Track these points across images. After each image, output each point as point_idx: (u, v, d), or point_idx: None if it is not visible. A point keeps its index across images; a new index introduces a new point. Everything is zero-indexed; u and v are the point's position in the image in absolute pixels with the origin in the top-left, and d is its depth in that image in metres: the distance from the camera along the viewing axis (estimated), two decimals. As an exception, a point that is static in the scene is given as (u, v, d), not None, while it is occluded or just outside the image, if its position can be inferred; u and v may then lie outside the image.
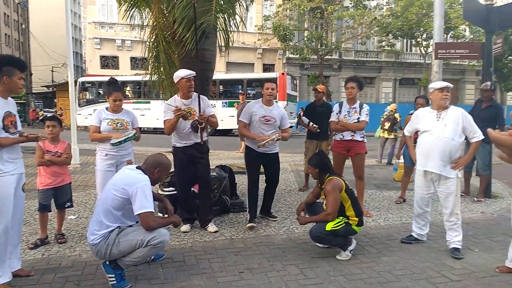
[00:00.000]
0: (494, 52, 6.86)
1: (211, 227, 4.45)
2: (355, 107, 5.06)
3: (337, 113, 5.16)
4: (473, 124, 3.82)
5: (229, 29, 5.45)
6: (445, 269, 3.47)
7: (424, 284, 3.16)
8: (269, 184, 4.90)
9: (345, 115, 5.07)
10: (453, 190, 3.83)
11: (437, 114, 3.91)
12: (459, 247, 3.83)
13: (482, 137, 3.80)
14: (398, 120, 10.25)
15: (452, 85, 3.96)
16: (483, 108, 6.03)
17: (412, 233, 4.20)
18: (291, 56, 27.97)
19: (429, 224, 4.20)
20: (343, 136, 5.09)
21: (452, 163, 3.81)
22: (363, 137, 5.09)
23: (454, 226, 3.86)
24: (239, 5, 5.76)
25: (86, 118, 20.83)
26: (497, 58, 23.68)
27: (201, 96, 4.42)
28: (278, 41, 25.40)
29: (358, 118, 5.00)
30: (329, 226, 3.59)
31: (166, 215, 3.44)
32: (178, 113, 4.14)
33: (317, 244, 3.93)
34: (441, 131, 3.82)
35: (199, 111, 4.34)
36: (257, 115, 4.60)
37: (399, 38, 27.70)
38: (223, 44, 5.43)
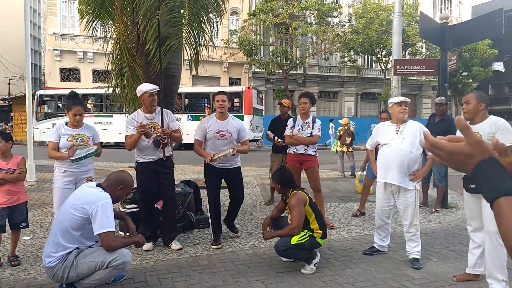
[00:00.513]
0: (449, 68, 7.25)
1: (175, 245, 4.36)
2: (308, 122, 5.22)
3: (291, 127, 5.30)
4: None
5: (199, 44, 5.43)
6: (406, 279, 3.56)
7: (386, 295, 3.23)
8: (232, 199, 4.76)
9: (298, 129, 5.22)
10: (412, 202, 3.97)
11: (396, 128, 4.06)
12: (418, 257, 3.95)
13: None
14: (354, 134, 10.60)
15: (410, 100, 4.15)
16: (436, 122, 6.32)
17: (374, 245, 4.30)
18: (257, 70, 28.29)
19: (390, 235, 4.31)
20: (297, 150, 5.23)
21: (410, 175, 3.95)
22: (315, 151, 5.26)
23: (413, 237, 3.99)
24: (209, 21, 5.77)
25: (44, 132, 20.04)
26: (452, 74, 25.02)
27: (165, 110, 4.36)
28: (244, 55, 25.66)
29: (311, 132, 5.16)
30: (294, 240, 3.61)
31: (128, 234, 3.34)
32: (141, 130, 4.05)
33: (282, 258, 3.94)
34: (399, 144, 3.97)
35: (162, 126, 4.28)
36: (211, 131, 4.45)
37: (361, 54, 28.72)
38: (192, 59, 5.36)
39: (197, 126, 4.60)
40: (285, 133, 5.36)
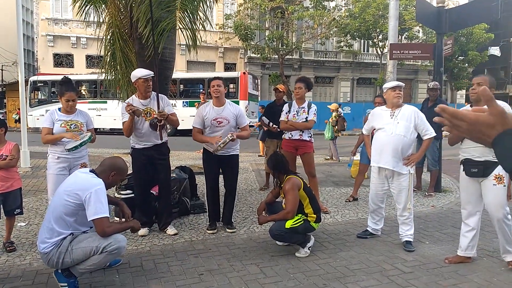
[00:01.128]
0: (445, 52, 7.22)
1: (170, 230, 4.38)
2: (304, 107, 5.19)
3: (286, 113, 5.27)
4: (425, 122, 4.00)
5: (195, 28, 5.34)
6: (398, 262, 3.61)
7: (378, 277, 3.28)
8: (226, 189, 4.63)
9: (294, 114, 5.19)
10: (406, 186, 4.00)
11: (391, 112, 4.07)
12: (411, 240, 4.00)
13: (434, 134, 4.00)
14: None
15: (404, 84, 4.14)
16: (429, 106, 6.33)
17: (368, 228, 4.34)
18: (253, 55, 28.04)
19: (383, 219, 4.36)
20: (292, 135, 5.22)
21: (404, 160, 3.97)
22: (310, 136, 5.24)
23: (406, 221, 4.03)
24: (202, 3, 5.68)
25: (37, 119, 19.90)
26: (448, 58, 25.00)
27: (160, 95, 4.33)
28: (239, 40, 25.39)
29: (306, 117, 5.13)
30: (289, 224, 3.64)
31: (123, 220, 3.35)
32: (129, 109, 4.01)
33: (277, 242, 3.98)
34: (393, 128, 3.97)
35: (158, 107, 4.25)
36: (208, 118, 4.39)
37: (357, 38, 28.49)
38: (190, 43, 5.26)
39: (195, 114, 4.55)
40: (281, 119, 5.34)
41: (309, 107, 5.20)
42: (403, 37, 26.68)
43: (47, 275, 3.22)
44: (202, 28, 5.34)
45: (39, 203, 5.70)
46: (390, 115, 4.05)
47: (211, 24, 5.37)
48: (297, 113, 5.18)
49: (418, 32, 27.88)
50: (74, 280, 2.91)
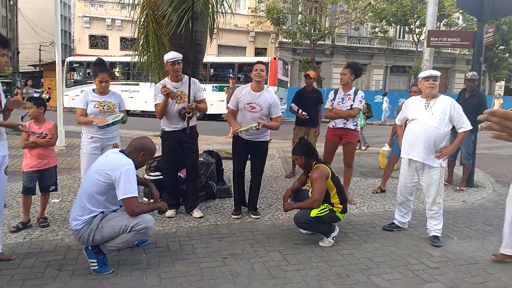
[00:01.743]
0: (485, 41, 6.89)
1: (196, 213, 4.47)
2: (350, 94, 5.00)
3: (331, 100, 5.11)
4: (462, 114, 3.84)
5: (216, 11, 5.32)
6: (424, 256, 3.54)
7: (403, 270, 3.24)
8: (252, 174, 4.61)
9: (338, 102, 5.03)
10: (436, 180, 3.88)
11: (425, 103, 3.93)
12: (439, 235, 3.91)
13: (470, 127, 3.84)
14: None
15: (440, 74, 3.96)
16: (466, 97, 6.09)
17: (394, 221, 4.27)
18: (284, 40, 27.71)
19: (411, 212, 4.27)
20: (336, 124, 5.07)
21: (436, 152, 3.85)
22: (355, 125, 5.06)
23: (435, 215, 3.93)
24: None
25: (73, 99, 20.51)
26: (488, 48, 23.86)
27: (192, 79, 4.36)
28: (271, 24, 25.11)
29: (351, 105, 4.96)
30: (314, 213, 3.62)
31: (151, 200, 3.44)
32: (164, 90, 4.07)
33: (301, 230, 3.98)
34: (427, 119, 3.85)
35: (189, 95, 4.29)
36: (242, 101, 4.37)
37: (393, 24, 27.57)
38: (209, 27, 5.29)
39: (232, 94, 4.55)
40: (325, 106, 5.18)
41: (355, 94, 4.99)
42: (441, 23, 25.61)
43: (78, 251, 3.35)
44: (234, 11, 5.29)
45: (73, 181, 5.92)
46: (425, 106, 3.92)
47: (238, 6, 5.33)
48: (342, 100, 5.00)
49: (458, 19, 26.72)
50: (103, 257, 3.02)
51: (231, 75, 17.94)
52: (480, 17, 6.78)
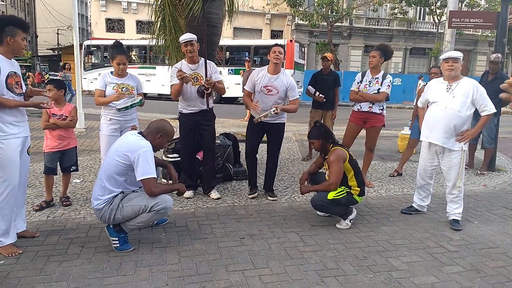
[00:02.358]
0: (510, 22, 6.66)
1: (214, 194, 4.51)
2: (378, 77, 4.89)
3: (358, 83, 5.01)
4: (485, 97, 3.72)
5: None
6: (443, 240, 3.51)
7: (421, 253, 3.22)
8: (268, 155, 4.63)
9: (365, 85, 4.92)
10: (456, 163, 3.81)
11: (447, 85, 3.82)
12: (459, 219, 3.86)
13: (494, 110, 3.73)
14: None
15: (461, 55, 3.82)
16: (489, 80, 5.92)
17: (413, 204, 4.23)
18: (300, 22, 27.31)
19: (430, 196, 4.22)
20: (361, 107, 4.98)
21: (458, 136, 3.77)
22: (382, 109, 4.95)
23: (455, 199, 3.88)
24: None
25: (91, 82, 20.76)
26: (511, 29, 22.99)
27: (208, 61, 4.35)
28: (287, 6, 24.78)
29: (379, 89, 4.85)
30: (331, 195, 3.61)
31: (170, 182, 3.48)
32: (179, 75, 4.08)
33: (318, 212, 3.99)
34: (448, 102, 3.75)
35: (206, 73, 4.29)
36: (259, 84, 4.34)
37: (413, 5, 26.87)
38: (228, 8, 5.25)
39: (249, 76, 4.51)
40: (351, 88, 5.07)
41: (383, 77, 4.87)
42: (463, 4, 24.81)
43: (100, 229, 3.44)
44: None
45: (93, 161, 6.04)
46: (447, 88, 3.82)
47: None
48: (370, 83, 4.89)
49: (481, -1, 25.82)
50: (124, 235, 3.09)
51: (247, 58, 17.84)
52: (505, -4, 6.54)
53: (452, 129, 3.75)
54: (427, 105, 4.08)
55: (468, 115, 3.75)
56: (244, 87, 4.55)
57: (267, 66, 4.41)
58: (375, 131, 5.06)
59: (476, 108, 3.77)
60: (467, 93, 3.71)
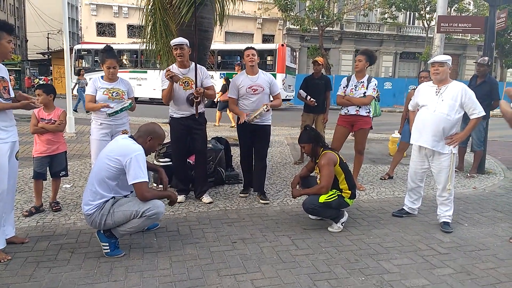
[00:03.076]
0: (497, 26, 6.76)
1: (206, 198, 4.49)
2: (363, 81, 4.96)
3: (344, 87, 5.08)
4: (474, 100, 3.76)
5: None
6: (434, 242, 3.54)
7: (412, 256, 3.24)
8: (256, 157, 4.66)
9: (351, 89, 4.99)
10: (446, 166, 3.85)
11: (436, 89, 3.87)
12: (449, 221, 3.90)
13: (483, 113, 3.77)
14: None
15: (446, 58, 3.85)
16: (478, 84, 5.99)
17: (404, 207, 4.26)
18: (292, 27, 27.44)
19: (421, 199, 4.25)
20: (348, 111, 5.03)
21: (447, 139, 3.81)
22: (368, 112, 5.03)
23: (445, 201, 3.92)
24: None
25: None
26: (500, 34, 23.37)
27: (198, 66, 4.35)
28: (278, 10, 24.85)
29: (365, 92, 4.92)
30: (322, 198, 3.62)
31: (160, 186, 3.46)
32: (167, 74, 4.09)
33: (310, 216, 3.99)
34: (437, 106, 3.79)
35: (196, 82, 4.29)
36: (243, 87, 4.47)
37: (402, 10, 27.11)
38: (218, 13, 5.26)
39: (230, 84, 4.65)
40: (337, 93, 5.13)
41: (368, 81, 4.95)
42: (452, 9, 25.14)
43: (90, 234, 3.40)
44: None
45: (83, 166, 5.98)
46: (436, 92, 3.86)
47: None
48: (355, 87, 4.97)
49: (469, 4, 26.21)
50: (115, 240, 3.06)
51: (238, 62, 17.78)
52: (492, 2, 6.64)
53: (441, 132, 3.79)
54: (417, 109, 4.12)
55: (457, 118, 3.80)
56: (228, 95, 4.63)
57: (244, 70, 4.60)
58: (363, 134, 5.11)
59: (465, 112, 3.81)
60: (455, 96, 3.75)
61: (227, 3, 5.47)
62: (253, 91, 4.46)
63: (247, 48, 4.54)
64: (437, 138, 3.82)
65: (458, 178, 5.95)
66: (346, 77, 5.21)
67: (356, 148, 5.21)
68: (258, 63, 4.55)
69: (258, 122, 4.47)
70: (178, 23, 5.15)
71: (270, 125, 4.67)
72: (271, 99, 4.72)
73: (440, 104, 3.78)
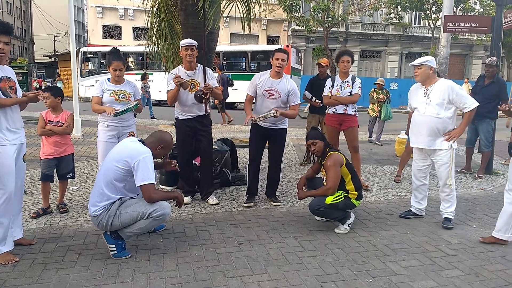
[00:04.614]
0: (504, 26, 6.71)
1: (212, 200, 4.49)
2: (348, 81, 5.05)
3: (329, 87, 5.14)
4: (462, 95, 3.77)
5: (251, 1, 5.23)
6: (442, 244, 3.51)
7: (420, 257, 3.21)
8: (271, 162, 4.61)
9: (337, 89, 5.06)
10: (446, 162, 3.87)
11: (424, 90, 3.93)
12: (451, 217, 3.93)
13: (475, 105, 3.76)
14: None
15: (423, 60, 3.84)
16: (486, 84, 5.94)
17: (411, 208, 4.24)
18: (297, 28, 27.41)
19: (427, 198, 4.23)
20: (336, 110, 5.10)
21: (445, 135, 3.84)
22: (355, 110, 5.11)
23: (447, 197, 3.94)
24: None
25: (88, 89, 20.73)
26: (506, 33, 23.20)
27: (206, 68, 4.35)
28: (283, 12, 24.82)
29: (351, 91, 4.99)
30: (329, 200, 3.61)
31: (167, 188, 3.46)
32: (177, 80, 4.08)
33: (316, 217, 3.98)
34: (426, 107, 3.86)
35: (204, 79, 4.29)
36: (261, 88, 4.33)
37: (408, 10, 27.00)
38: (244, 16, 5.18)
39: (250, 81, 4.47)
40: (324, 94, 5.20)
41: (353, 80, 5.04)
42: (458, 9, 25.00)
43: (97, 236, 3.42)
44: (257, 1, 5.23)
45: (90, 168, 6.01)
46: (424, 93, 3.92)
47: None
48: (341, 87, 5.05)
49: (475, 4, 26.04)
50: (121, 242, 3.07)
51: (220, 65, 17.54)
52: (499, 1, 6.59)
53: (436, 132, 3.84)
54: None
55: (448, 116, 3.82)
56: (246, 91, 4.54)
57: (270, 70, 4.41)
58: (353, 131, 5.15)
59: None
60: (442, 95, 3.78)
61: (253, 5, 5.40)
62: (270, 95, 4.31)
63: (278, 50, 4.31)
64: (432, 137, 3.87)
65: (466, 179, 5.91)
66: (330, 78, 5.31)
67: (351, 145, 5.22)
68: (262, 65, 4.49)
69: (271, 126, 4.36)
70: (183, 25, 5.16)
71: (286, 128, 4.55)
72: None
73: (429, 105, 3.84)
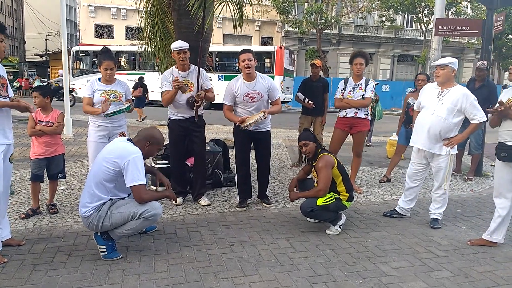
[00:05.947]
0: (495, 29, 6.79)
1: (204, 201, 4.48)
2: (361, 83, 4.95)
3: (341, 90, 5.05)
4: (475, 106, 3.76)
5: (242, 2, 5.20)
6: (432, 245, 3.54)
7: (410, 259, 3.23)
8: (259, 165, 4.55)
9: (349, 91, 4.97)
10: (443, 167, 3.90)
11: (439, 91, 3.89)
12: (439, 218, 3.98)
13: (484, 119, 3.78)
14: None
15: (448, 61, 3.84)
16: (476, 88, 6.00)
17: (396, 207, 4.28)
18: (290, 29, 27.53)
19: (416, 200, 4.26)
20: (347, 113, 5.01)
21: (445, 141, 3.84)
22: (366, 114, 5.03)
23: (438, 198, 3.99)
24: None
25: (79, 88, 20.56)
26: (497, 36, 23.49)
27: (200, 71, 4.32)
28: (277, 13, 24.90)
29: (363, 94, 4.90)
30: (320, 201, 3.62)
31: (159, 188, 3.44)
32: (176, 84, 4.05)
33: (308, 219, 3.99)
34: (436, 108, 3.82)
35: (197, 85, 4.28)
36: (240, 94, 4.22)
37: (400, 13, 27.25)
38: (236, 17, 5.17)
39: (225, 89, 4.36)
40: (336, 96, 5.09)
41: (366, 83, 4.93)
42: (449, 12, 25.26)
43: (87, 237, 3.39)
44: (248, 2, 5.21)
45: (81, 168, 5.96)
46: (437, 94, 3.88)
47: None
48: (353, 90, 4.94)
49: (466, 7, 26.33)
50: (112, 243, 3.05)
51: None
52: (490, 5, 6.67)
53: (437, 135, 3.82)
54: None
55: (454, 122, 3.81)
56: (223, 101, 4.35)
57: (241, 74, 4.31)
58: (362, 136, 5.12)
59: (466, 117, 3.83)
60: (455, 101, 3.76)
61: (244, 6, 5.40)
62: (251, 99, 4.23)
63: (243, 51, 4.21)
64: (433, 140, 3.86)
65: (456, 181, 5.96)
66: (343, 80, 5.21)
67: (355, 150, 5.20)
68: (256, 66, 4.39)
69: (257, 129, 4.29)
70: (176, 25, 5.15)
71: (269, 130, 4.51)
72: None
73: (440, 107, 3.80)
